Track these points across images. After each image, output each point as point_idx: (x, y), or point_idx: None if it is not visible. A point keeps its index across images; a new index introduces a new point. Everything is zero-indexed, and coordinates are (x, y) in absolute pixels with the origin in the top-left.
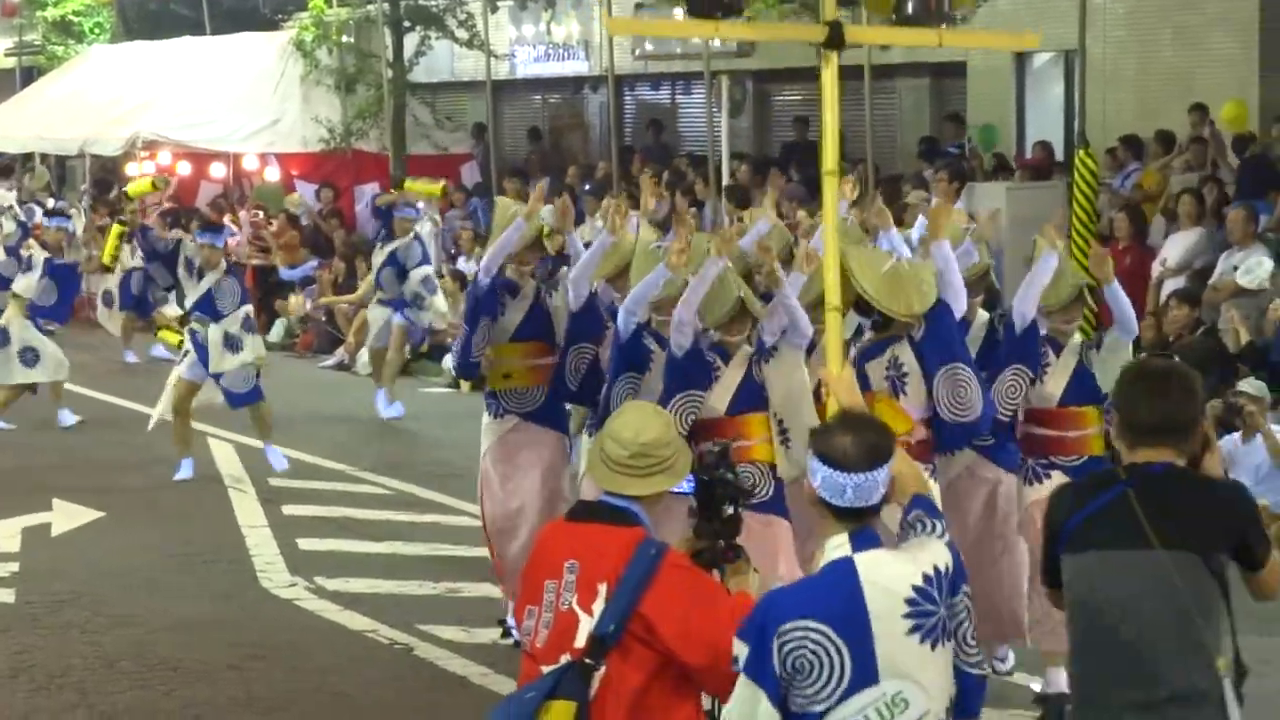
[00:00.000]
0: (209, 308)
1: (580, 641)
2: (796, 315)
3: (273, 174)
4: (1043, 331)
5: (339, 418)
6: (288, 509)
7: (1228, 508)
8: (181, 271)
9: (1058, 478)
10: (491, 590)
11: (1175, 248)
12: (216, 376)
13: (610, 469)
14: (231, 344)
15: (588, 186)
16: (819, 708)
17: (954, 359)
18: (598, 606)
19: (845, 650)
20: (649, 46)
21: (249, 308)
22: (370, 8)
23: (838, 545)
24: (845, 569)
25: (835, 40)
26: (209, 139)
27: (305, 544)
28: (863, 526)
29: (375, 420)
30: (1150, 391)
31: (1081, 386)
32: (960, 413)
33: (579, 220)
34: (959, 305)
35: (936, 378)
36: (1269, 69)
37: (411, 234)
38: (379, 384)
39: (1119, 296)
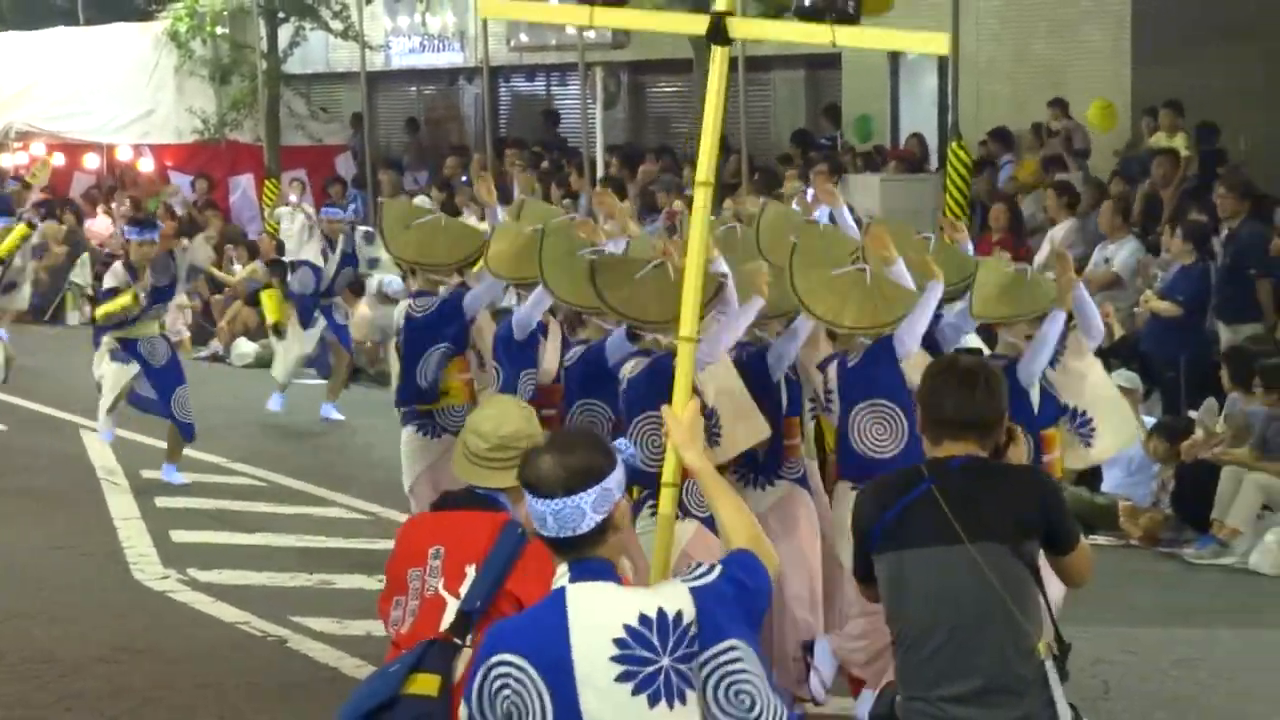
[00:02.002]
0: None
1: (447, 625)
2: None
3: (147, 165)
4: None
5: (213, 409)
6: (160, 501)
7: (1031, 495)
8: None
9: None
10: (365, 582)
11: (1048, 241)
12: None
13: (472, 462)
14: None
15: (465, 179)
16: None
17: (877, 395)
18: (465, 589)
19: (547, 694)
20: (524, 38)
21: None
22: None
23: (561, 575)
24: (556, 601)
25: (719, 34)
26: (83, 130)
27: (178, 536)
28: (581, 558)
29: (249, 412)
30: (958, 387)
31: (1047, 407)
32: (874, 450)
33: (456, 213)
34: (907, 346)
35: (854, 410)
36: (1140, 62)
37: (342, 232)
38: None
39: (1085, 300)
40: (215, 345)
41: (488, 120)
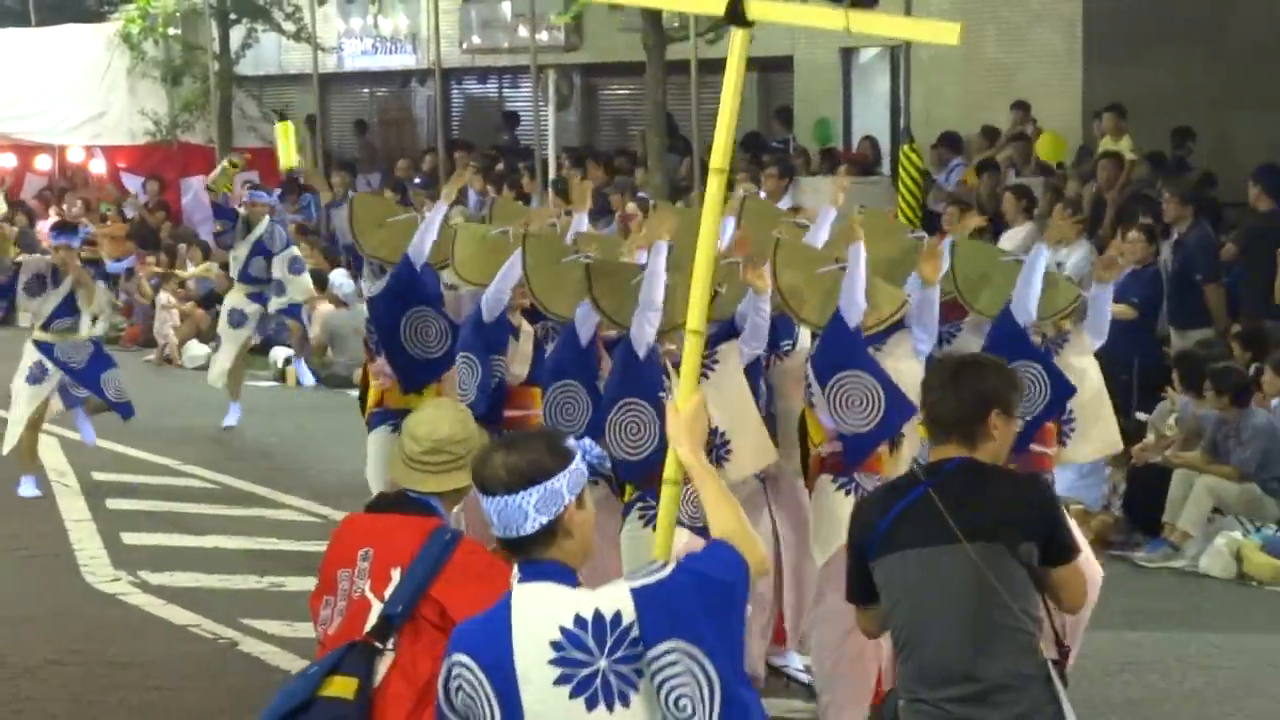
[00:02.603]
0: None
1: (370, 628)
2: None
3: (98, 166)
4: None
5: (164, 410)
6: (112, 503)
7: (1027, 500)
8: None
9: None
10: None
11: (1004, 244)
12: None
13: (407, 465)
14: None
15: (418, 180)
16: None
17: (843, 368)
18: (390, 592)
19: (493, 695)
20: (476, 40)
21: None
22: (197, 0)
23: (514, 576)
24: (504, 603)
25: (737, 15)
26: (34, 131)
27: (129, 538)
28: (530, 559)
29: (200, 414)
30: (936, 385)
31: (1061, 388)
32: (855, 423)
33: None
34: (852, 314)
35: (827, 389)
36: (1091, 64)
37: (266, 218)
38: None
39: (1103, 299)
40: (167, 348)
41: (440, 122)
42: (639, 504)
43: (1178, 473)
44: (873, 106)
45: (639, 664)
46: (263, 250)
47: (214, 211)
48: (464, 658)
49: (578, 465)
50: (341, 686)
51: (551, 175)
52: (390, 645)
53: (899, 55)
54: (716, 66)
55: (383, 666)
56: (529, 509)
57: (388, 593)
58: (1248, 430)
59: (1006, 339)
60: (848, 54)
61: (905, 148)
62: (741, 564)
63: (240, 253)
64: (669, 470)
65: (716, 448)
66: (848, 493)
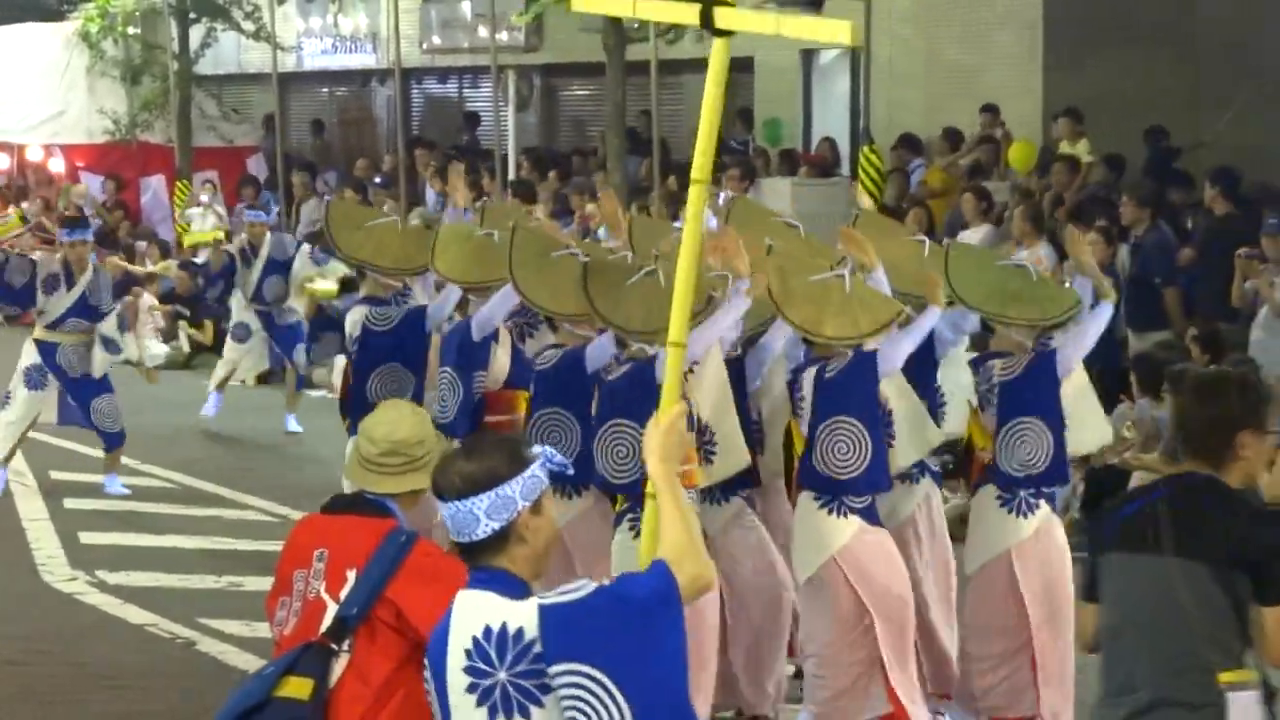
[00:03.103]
0: (86, 311)
1: (325, 629)
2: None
3: (57, 165)
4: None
5: (124, 410)
6: (69, 502)
7: (1255, 531)
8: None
9: (1044, 509)
10: None
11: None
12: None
13: (364, 467)
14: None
15: (378, 180)
16: None
17: (847, 412)
18: (345, 593)
19: (435, 697)
20: (436, 40)
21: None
22: None
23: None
24: (451, 607)
25: (710, 24)
26: None
27: (87, 538)
28: (478, 565)
29: (160, 413)
30: (1180, 400)
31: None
32: (836, 469)
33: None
34: (889, 364)
35: (823, 423)
36: (1052, 67)
37: (268, 235)
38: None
39: (1104, 315)
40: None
41: (400, 122)
42: (629, 515)
43: (1137, 474)
44: (833, 108)
45: (543, 679)
46: (276, 267)
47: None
48: (427, 661)
49: (534, 472)
50: (297, 687)
51: (511, 176)
52: (346, 646)
53: (859, 57)
54: (676, 67)
55: (338, 667)
56: (479, 514)
57: (343, 594)
58: None
59: (1040, 386)
60: (808, 55)
61: (865, 149)
62: (669, 586)
63: (251, 277)
64: (651, 485)
65: (704, 443)
66: (830, 511)
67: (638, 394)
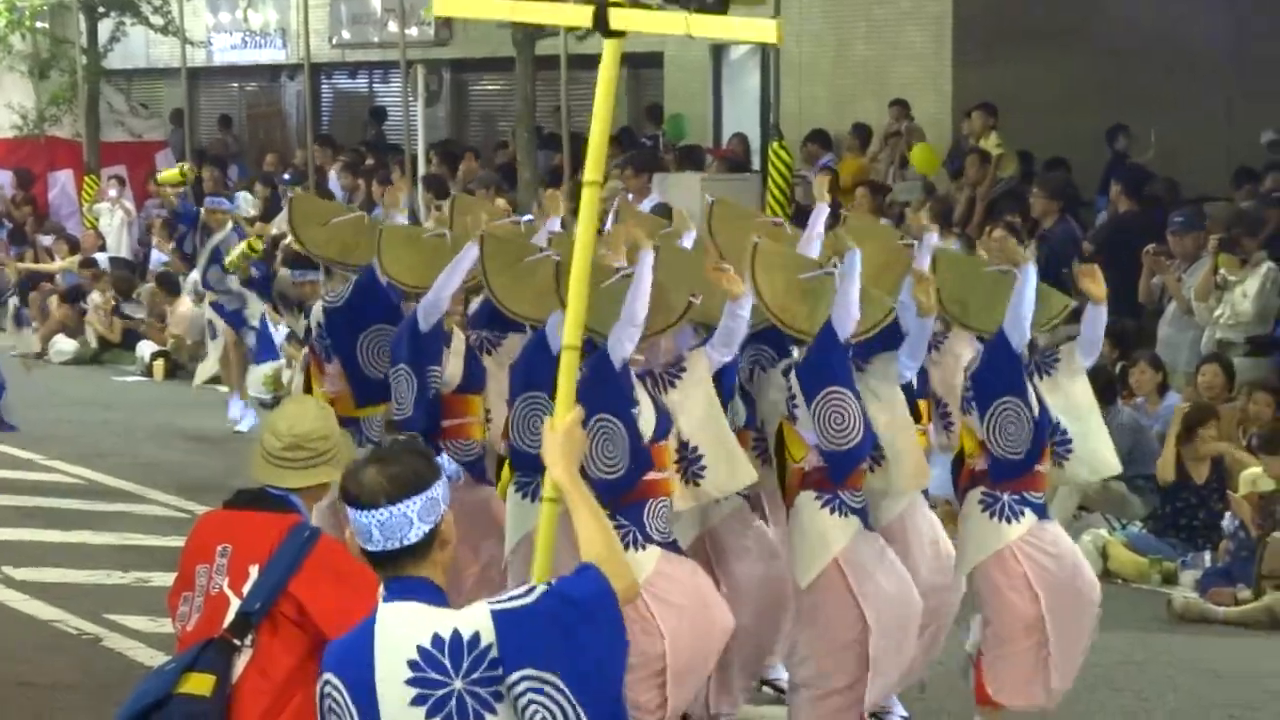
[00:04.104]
0: None
1: (228, 624)
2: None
3: None
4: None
5: (29, 404)
6: None
7: None
8: None
9: (1029, 517)
10: None
11: None
12: None
13: (268, 461)
14: None
15: (287, 175)
16: None
17: (830, 384)
18: (248, 589)
19: (356, 715)
20: (346, 35)
21: None
22: None
23: (380, 594)
24: (370, 620)
25: (603, 26)
26: None
27: None
28: (398, 575)
29: (67, 409)
30: None
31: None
32: (838, 441)
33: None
34: (845, 326)
35: (814, 404)
36: (960, 63)
37: (229, 225)
38: (234, 391)
39: (1101, 318)
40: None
41: (309, 117)
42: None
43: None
44: (743, 103)
45: (498, 686)
46: (218, 259)
47: (177, 216)
48: (331, 676)
49: (445, 474)
50: (198, 683)
51: (421, 171)
52: (248, 642)
53: (769, 53)
54: (586, 62)
55: (240, 663)
56: (413, 517)
57: (246, 589)
58: (1113, 428)
59: (998, 368)
60: (718, 51)
61: (774, 144)
62: (607, 591)
63: (200, 262)
64: (546, 489)
65: (689, 462)
66: (832, 510)
67: (623, 387)
